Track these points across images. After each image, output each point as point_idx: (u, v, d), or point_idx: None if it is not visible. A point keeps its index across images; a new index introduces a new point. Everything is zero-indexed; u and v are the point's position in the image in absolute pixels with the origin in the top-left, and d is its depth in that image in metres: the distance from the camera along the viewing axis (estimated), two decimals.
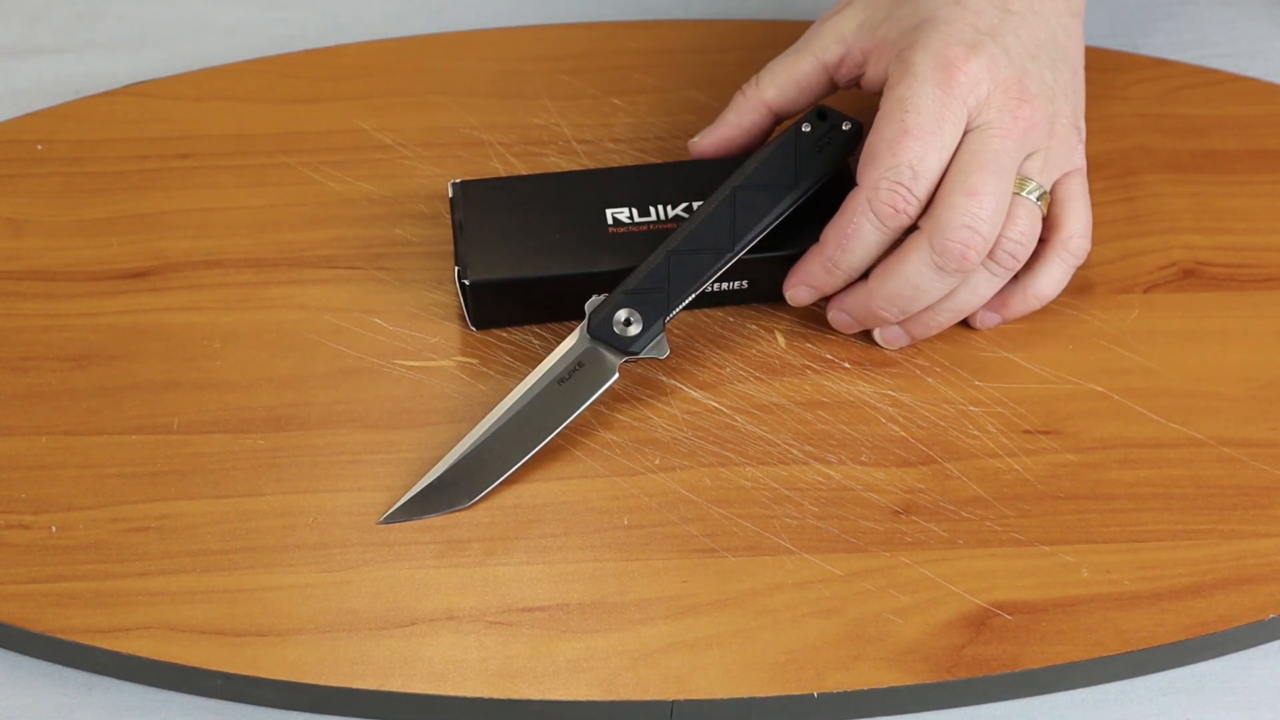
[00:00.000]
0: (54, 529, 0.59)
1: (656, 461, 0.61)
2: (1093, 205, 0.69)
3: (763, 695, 0.56)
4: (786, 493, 0.60)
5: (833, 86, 0.66)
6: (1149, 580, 0.58)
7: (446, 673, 0.56)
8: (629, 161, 0.70)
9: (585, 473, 0.60)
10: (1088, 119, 0.64)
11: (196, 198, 0.68)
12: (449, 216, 0.66)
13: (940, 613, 0.57)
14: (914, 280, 0.60)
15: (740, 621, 0.57)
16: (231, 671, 0.56)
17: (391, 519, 0.59)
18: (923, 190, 0.59)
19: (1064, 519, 0.60)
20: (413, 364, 0.63)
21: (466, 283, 0.62)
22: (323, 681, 0.56)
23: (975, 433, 0.62)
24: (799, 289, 0.62)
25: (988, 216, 0.59)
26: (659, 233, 0.63)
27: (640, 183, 0.65)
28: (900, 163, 0.59)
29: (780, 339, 0.64)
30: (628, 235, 0.63)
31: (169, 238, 0.67)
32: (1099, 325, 0.65)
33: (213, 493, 0.60)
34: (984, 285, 0.62)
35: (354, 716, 0.58)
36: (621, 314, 0.60)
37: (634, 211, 0.64)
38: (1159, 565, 0.59)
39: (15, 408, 0.62)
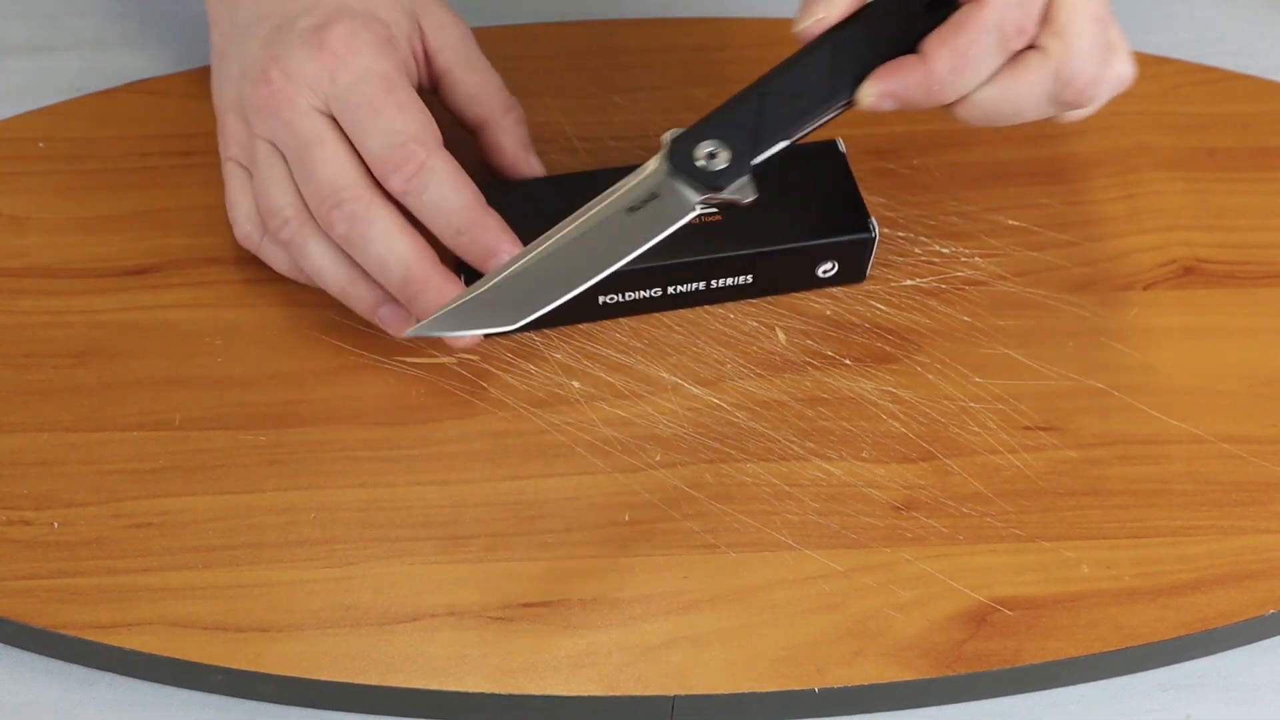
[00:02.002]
0: (56, 525, 0.59)
1: (657, 458, 0.61)
2: (1093, 203, 0.69)
3: (764, 690, 0.56)
4: (787, 489, 0.60)
5: None
6: (1149, 576, 0.58)
7: (448, 668, 0.56)
8: (630, 159, 0.70)
9: (586, 469, 0.61)
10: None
11: (198, 195, 0.68)
12: None
13: (941, 608, 0.57)
14: (1022, 103, 0.56)
15: (741, 617, 0.57)
16: (233, 667, 0.56)
17: (427, 329, 0.56)
18: (1039, 10, 0.55)
19: (1064, 515, 0.60)
20: (414, 361, 0.63)
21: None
22: (324, 677, 0.56)
23: (975, 429, 0.62)
24: (885, 100, 0.56)
25: (1109, 46, 0.56)
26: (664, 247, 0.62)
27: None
28: None
29: (781, 336, 0.64)
30: None
31: (170, 235, 0.67)
32: (1099, 322, 0.65)
33: (214, 489, 0.60)
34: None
35: (355, 712, 0.58)
36: (707, 146, 0.56)
37: None
38: (1159, 561, 0.59)
39: (17, 404, 0.62)
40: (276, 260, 0.63)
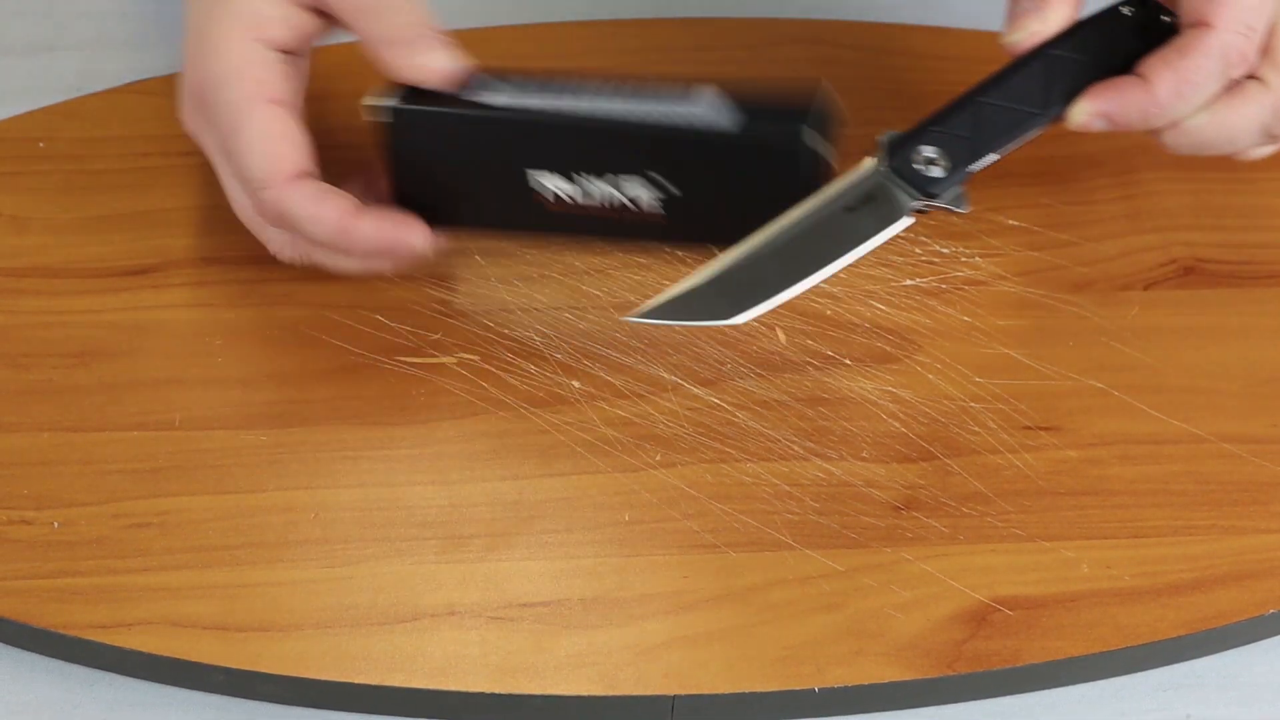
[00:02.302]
0: (56, 525, 0.59)
1: (658, 457, 0.61)
2: (1093, 203, 0.69)
3: (764, 690, 0.56)
4: (787, 488, 0.60)
5: None
6: (1149, 576, 0.58)
7: (448, 668, 0.56)
8: None
9: (586, 468, 0.61)
10: None
11: (198, 195, 0.68)
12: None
13: (941, 608, 0.57)
14: (1235, 132, 0.56)
15: (741, 617, 0.57)
16: (233, 667, 0.56)
17: (644, 317, 0.56)
18: (1261, 40, 0.55)
19: (1064, 515, 0.60)
20: (414, 360, 0.63)
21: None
22: (324, 677, 0.56)
23: (976, 429, 0.62)
24: (1098, 119, 0.56)
25: None
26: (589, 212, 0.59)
27: (580, 142, 0.59)
28: (1262, 2, 0.54)
29: (781, 335, 0.64)
30: (560, 209, 0.60)
31: (171, 234, 0.67)
32: (1099, 322, 0.65)
33: (214, 489, 0.60)
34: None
35: (355, 711, 0.58)
36: (928, 151, 0.56)
37: (562, 183, 0.60)
38: (1159, 561, 0.59)
39: (17, 404, 0.62)
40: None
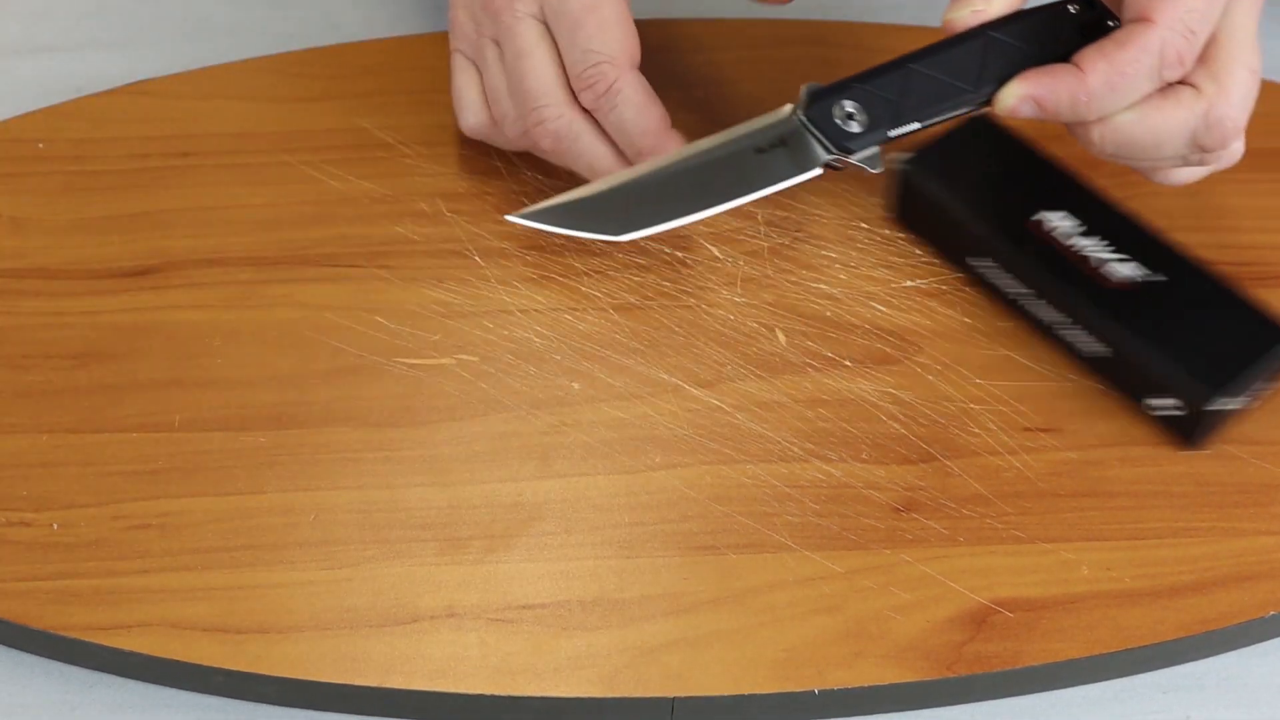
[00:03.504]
0: (55, 526, 0.59)
1: (657, 459, 0.61)
2: None
3: (763, 692, 0.56)
4: (787, 490, 0.60)
5: None
6: (1149, 578, 0.58)
7: (447, 669, 0.56)
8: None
9: (586, 470, 0.61)
10: None
11: (197, 196, 0.68)
12: (445, 214, 0.65)
13: (941, 610, 0.57)
14: (1163, 136, 0.55)
15: (741, 619, 0.57)
16: (232, 669, 0.56)
17: (533, 220, 0.56)
18: (1199, 46, 0.54)
19: (1064, 516, 0.60)
20: (413, 362, 0.63)
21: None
22: (323, 678, 0.56)
23: (976, 430, 0.62)
24: (1026, 103, 0.56)
25: (1254, 99, 0.55)
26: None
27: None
28: (1208, 7, 0.53)
29: (780, 337, 0.64)
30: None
31: (170, 236, 0.67)
32: None
33: (214, 490, 0.60)
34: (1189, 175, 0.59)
35: (355, 713, 0.58)
36: (848, 105, 0.55)
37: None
38: (1159, 563, 0.59)
39: (17, 405, 0.62)
40: (505, 145, 0.65)
